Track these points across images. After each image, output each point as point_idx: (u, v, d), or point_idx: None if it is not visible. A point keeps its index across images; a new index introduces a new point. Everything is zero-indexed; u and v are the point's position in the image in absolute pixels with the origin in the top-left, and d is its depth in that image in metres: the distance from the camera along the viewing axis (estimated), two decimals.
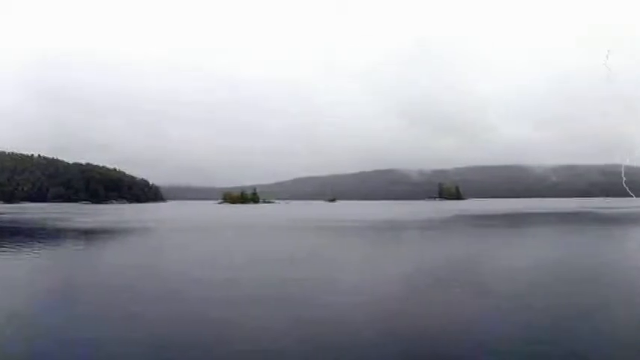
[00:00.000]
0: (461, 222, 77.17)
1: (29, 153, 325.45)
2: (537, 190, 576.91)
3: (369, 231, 58.59)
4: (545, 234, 54.92)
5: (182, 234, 57.09)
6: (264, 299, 18.28)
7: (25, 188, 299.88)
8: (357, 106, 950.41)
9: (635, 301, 17.54)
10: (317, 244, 42.78)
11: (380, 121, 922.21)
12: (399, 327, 14.63)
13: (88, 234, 54.88)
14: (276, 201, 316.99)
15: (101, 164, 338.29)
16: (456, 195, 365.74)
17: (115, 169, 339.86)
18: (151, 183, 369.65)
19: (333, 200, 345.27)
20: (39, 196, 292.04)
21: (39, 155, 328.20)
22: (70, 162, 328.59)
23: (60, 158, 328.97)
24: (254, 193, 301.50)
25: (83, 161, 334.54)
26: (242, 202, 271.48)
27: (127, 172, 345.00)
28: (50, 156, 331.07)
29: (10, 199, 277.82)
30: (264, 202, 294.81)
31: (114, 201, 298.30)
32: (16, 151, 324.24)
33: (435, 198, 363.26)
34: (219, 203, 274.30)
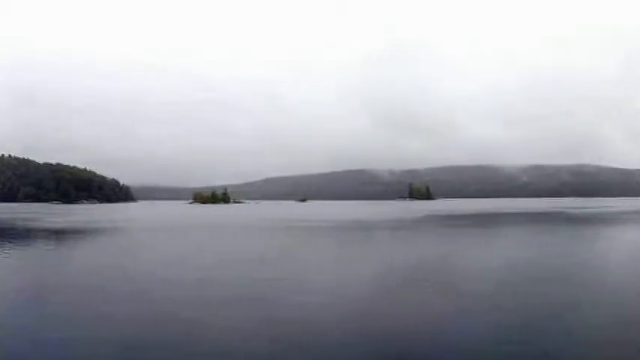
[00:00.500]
0: (431, 222, 77.63)
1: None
2: (508, 190, 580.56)
3: (340, 231, 58.73)
4: (516, 234, 55.43)
5: (152, 234, 56.97)
6: (235, 299, 18.29)
7: None
8: (328, 106, 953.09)
9: (605, 300, 17.70)
10: (287, 244, 42.83)
11: (350, 121, 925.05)
12: (369, 327, 14.64)
13: (58, 234, 54.52)
14: (247, 201, 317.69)
15: (72, 164, 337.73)
16: (427, 195, 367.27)
17: (85, 169, 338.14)
18: (121, 183, 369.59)
19: (303, 200, 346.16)
20: (9, 196, 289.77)
21: (9, 155, 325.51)
22: (41, 162, 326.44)
23: (30, 158, 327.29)
24: (225, 193, 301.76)
25: (54, 161, 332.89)
26: (212, 202, 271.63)
27: (98, 172, 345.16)
28: (21, 156, 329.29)
29: None
30: (235, 202, 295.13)
31: (85, 201, 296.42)
32: None
33: (405, 198, 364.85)
34: (190, 203, 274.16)
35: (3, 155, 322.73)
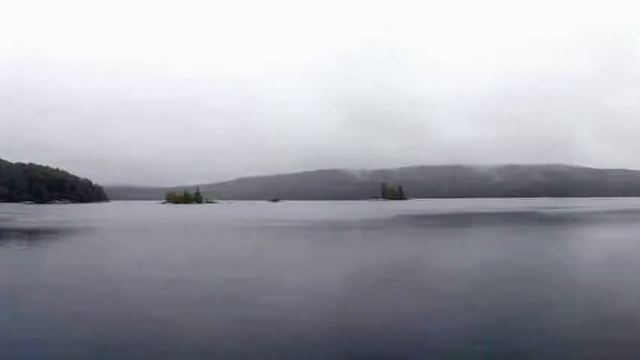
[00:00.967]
0: (404, 222, 77.86)
1: None
2: (480, 190, 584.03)
3: (312, 231, 58.77)
4: (489, 234, 55.75)
5: (125, 234, 56.73)
6: (208, 299, 18.32)
7: None
8: (301, 106, 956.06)
9: (578, 300, 17.85)
10: (260, 244, 42.86)
11: (323, 121, 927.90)
12: (342, 327, 14.67)
13: (31, 234, 54.03)
14: (220, 201, 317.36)
15: (44, 164, 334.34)
16: (399, 195, 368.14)
17: (58, 169, 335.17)
18: (94, 183, 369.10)
19: (276, 200, 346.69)
20: None
21: None
22: (13, 162, 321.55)
23: (3, 158, 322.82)
24: (197, 193, 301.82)
25: (26, 161, 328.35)
26: (185, 202, 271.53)
27: (71, 172, 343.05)
28: None
29: None
30: (207, 202, 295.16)
31: (57, 201, 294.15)
32: None
33: (378, 198, 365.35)
34: (162, 203, 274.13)
35: None
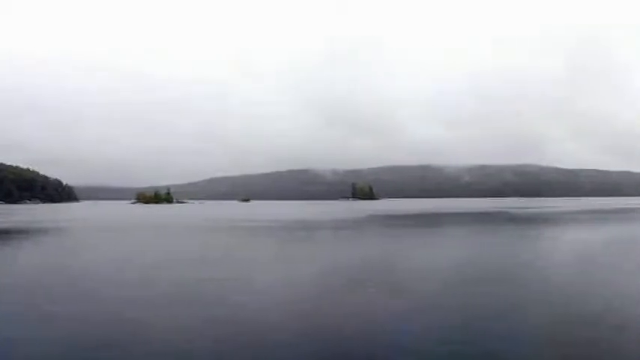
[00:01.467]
0: (374, 222, 78.23)
1: None
2: (450, 189, 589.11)
3: (283, 231, 58.73)
4: (459, 234, 56.12)
5: (95, 234, 56.40)
6: (178, 299, 18.37)
7: None
8: (272, 106, 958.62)
9: (546, 300, 18.02)
10: (231, 244, 42.83)
11: (294, 121, 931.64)
12: (312, 326, 14.71)
13: (1, 234, 53.81)
14: (190, 201, 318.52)
15: (15, 164, 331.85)
16: (370, 195, 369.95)
17: (28, 169, 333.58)
18: (64, 183, 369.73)
19: (246, 200, 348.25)
20: None
21: None
22: None
23: None
24: (168, 193, 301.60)
25: None
26: (156, 202, 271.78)
27: (41, 172, 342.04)
28: None
29: None
30: (178, 202, 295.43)
31: (28, 201, 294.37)
32: None
33: (348, 198, 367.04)
34: (133, 203, 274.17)
35: None
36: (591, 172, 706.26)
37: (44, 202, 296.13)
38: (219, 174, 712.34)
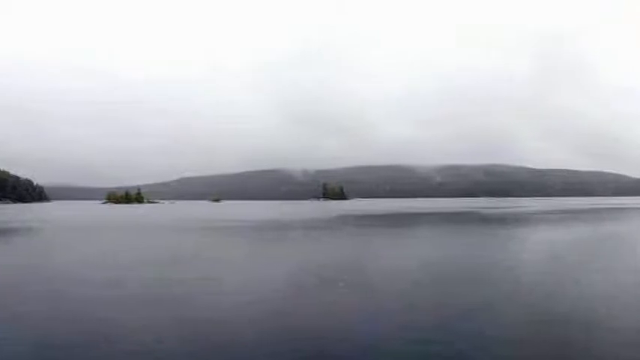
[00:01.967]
0: (345, 222, 78.47)
1: None
2: (421, 190, 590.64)
3: (253, 231, 58.69)
4: (430, 234, 56.38)
5: (66, 234, 56.14)
6: (149, 299, 18.35)
7: None
8: (242, 106, 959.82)
9: (517, 299, 18.27)
10: (201, 245, 42.73)
11: (265, 121, 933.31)
12: (283, 326, 14.67)
13: None
14: (161, 201, 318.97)
15: None
16: (340, 195, 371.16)
17: None
18: (35, 183, 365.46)
19: (217, 200, 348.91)
20: None
21: None
22: None
23: None
24: (138, 193, 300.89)
25: None
26: (126, 202, 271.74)
27: (11, 172, 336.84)
28: None
29: None
30: (149, 202, 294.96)
31: None
32: None
33: (319, 198, 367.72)
34: (103, 203, 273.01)
35: None
36: (562, 171, 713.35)
37: (15, 202, 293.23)
38: (190, 174, 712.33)
